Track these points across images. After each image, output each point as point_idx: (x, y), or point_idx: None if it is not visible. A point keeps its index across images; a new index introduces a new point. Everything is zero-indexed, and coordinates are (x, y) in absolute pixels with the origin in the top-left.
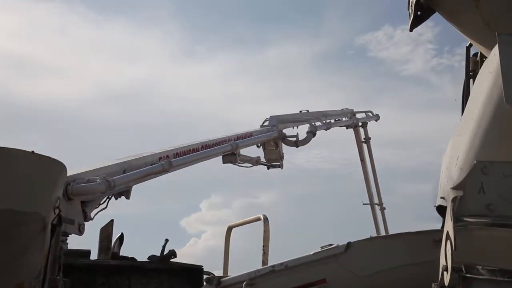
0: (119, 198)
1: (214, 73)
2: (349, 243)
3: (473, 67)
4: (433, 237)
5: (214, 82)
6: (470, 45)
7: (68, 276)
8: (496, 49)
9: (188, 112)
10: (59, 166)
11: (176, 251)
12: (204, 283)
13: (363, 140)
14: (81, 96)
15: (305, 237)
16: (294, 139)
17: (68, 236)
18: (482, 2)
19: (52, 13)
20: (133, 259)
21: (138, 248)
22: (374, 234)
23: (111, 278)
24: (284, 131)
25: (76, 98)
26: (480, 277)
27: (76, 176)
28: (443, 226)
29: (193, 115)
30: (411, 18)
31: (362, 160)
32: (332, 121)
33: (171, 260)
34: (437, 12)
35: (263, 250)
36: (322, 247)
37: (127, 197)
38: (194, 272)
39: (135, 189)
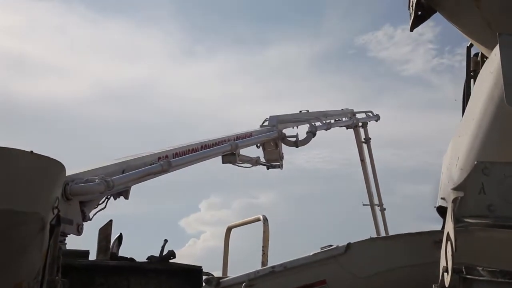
0: (118, 198)
1: (214, 73)
2: (349, 244)
3: (474, 67)
4: (434, 238)
5: (214, 82)
6: (471, 45)
7: (66, 276)
8: (497, 49)
9: (188, 112)
10: (58, 166)
11: (175, 251)
12: (203, 284)
13: (363, 140)
14: (81, 96)
15: (305, 238)
16: (294, 139)
17: (67, 236)
18: (483, 2)
19: (51, 13)
20: (132, 259)
21: (137, 248)
22: (374, 235)
23: (110, 279)
24: (284, 131)
25: (76, 98)
26: (481, 278)
27: (74, 176)
28: (443, 227)
29: (192, 115)
30: (412, 18)
31: (362, 160)
32: (332, 121)
33: (170, 260)
34: (437, 12)
35: (263, 250)
36: (322, 248)
37: (126, 197)
38: (193, 272)
39: (134, 189)
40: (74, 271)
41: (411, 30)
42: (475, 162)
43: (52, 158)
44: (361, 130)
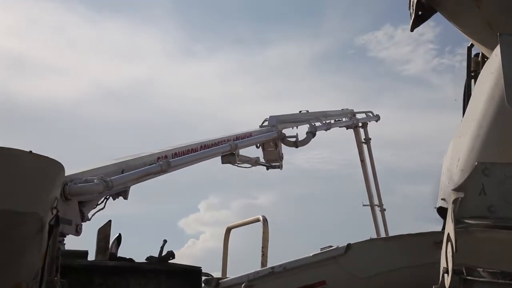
0: (117, 199)
1: (213, 72)
2: (349, 245)
3: (474, 67)
4: (434, 239)
5: (214, 81)
6: (472, 45)
7: (65, 277)
8: (497, 49)
9: (188, 112)
10: (57, 166)
11: (174, 252)
12: (203, 285)
13: (363, 140)
14: (80, 96)
15: (304, 238)
16: (294, 139)
17: (65, 236)
18: (483, 2)
19: (50, 12)
20: (131, 260)
21: (136, 249)
22: (374, 236)
23: (108, 279)
24: (283, 131)
25: (75, 97)
26: (481, 279)
27: (73, 176)
28: (443, 228)
29: (192, 115)
30: (412, 18)
31: (362, 160)
32: (332, 121)
33: (169, 261)
34: (438, 12)
35: (262, 251)
36: (321, 249)
37: (125, 198)
38: (192, 273)
39: (133, 189)
40: (73, 271)
41: (412, 30)
42: (476, 163)
43: (51, 158)
44: (361, 131)
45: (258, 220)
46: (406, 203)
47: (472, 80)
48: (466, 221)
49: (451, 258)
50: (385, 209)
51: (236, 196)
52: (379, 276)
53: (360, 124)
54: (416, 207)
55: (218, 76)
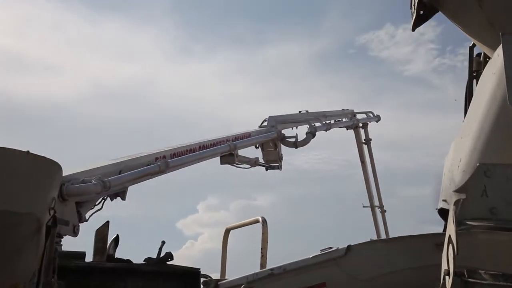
0: (114, 199)
1: (213, 72)
2: (349, 246)
3: (476, 67)
4: (435, 241)
5: (213, 81)
6: (474, 45)
7: (62, 278)
8: (500, 49)
9: (187, 112)
10: (55, 166)
11: (172, 253)
12: (201, 286)
13: (364, 141)
14: (77, 95)
15: (304, 240)
16: (293, 139)
17: (63, 237)
18: (486, 2)
19: (47, 11)
20: (128, 261)
21: (134, 250)
22: (375, 237)
23: (106, 281)
24: (283, 131)
25: (72, 96)
26: (483, 281)
27: (71, 177)
28: (445, 230)
29: (191, 114)
30: (414, 17)
31: (362, 161)
32: (332, 121)
33: (167, 262)
34: (440, 12)
35: (261, 253)
36: (321, 250)
37: (123, 198)
38: (191, 275)
39: (131, 190)
40: (70, 273)
41: (413, 29)
42: (477, 164)
43: (48, 158)
44: (361, 131)
45: (257, 221)
46: (407, 204)
47: (474, 81)
48: (467, 222)
49: (452, 260)
50: (385, 210)
51: (235, 197)
52: (379, 278)
53: (360, 125)
54: (417, 208)
55: (218, 76)
